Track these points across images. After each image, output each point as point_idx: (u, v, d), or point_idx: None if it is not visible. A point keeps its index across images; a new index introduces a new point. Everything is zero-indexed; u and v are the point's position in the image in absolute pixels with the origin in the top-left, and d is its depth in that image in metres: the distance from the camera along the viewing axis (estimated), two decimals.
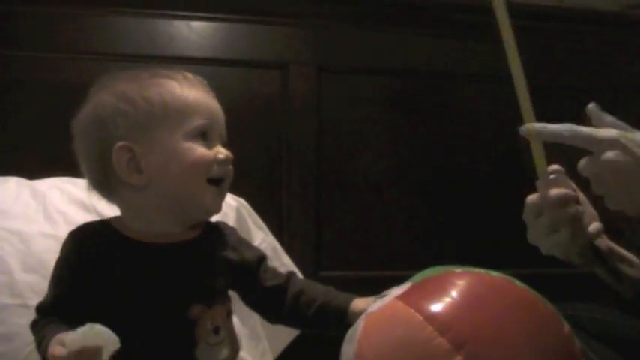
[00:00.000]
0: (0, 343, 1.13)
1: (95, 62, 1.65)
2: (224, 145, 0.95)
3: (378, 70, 1.89)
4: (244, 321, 1.29)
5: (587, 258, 0.95)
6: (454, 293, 0.74)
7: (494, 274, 0.78)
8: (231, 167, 0.95)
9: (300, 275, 1.51)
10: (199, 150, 0.91)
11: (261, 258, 1.01)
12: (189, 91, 0.93)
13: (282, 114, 1.79)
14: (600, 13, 1.99)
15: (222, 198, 0.96)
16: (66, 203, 1.34)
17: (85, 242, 0.90)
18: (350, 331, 0.80)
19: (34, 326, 0.88)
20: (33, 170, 1.46)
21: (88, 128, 0.93)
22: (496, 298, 0.75)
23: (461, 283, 0.76)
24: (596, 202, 0.92)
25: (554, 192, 0.88)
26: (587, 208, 0.96)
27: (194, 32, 1.75)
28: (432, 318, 0.71)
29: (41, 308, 0.89)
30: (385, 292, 0.84)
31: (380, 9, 1.88)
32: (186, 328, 0.88)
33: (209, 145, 0.92)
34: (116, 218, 0.95)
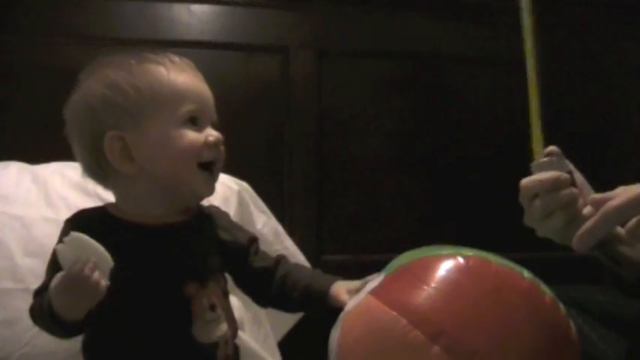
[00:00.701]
0: (2, 327, 1.14)
1: (95, 47, 1.64)
2: (214, 127, 0.95)
3: (379, 53, 1.88)
4: (247, 306, 1.30)
5: None
6: (427, 283, 0.74)
7: (469, 252, 0.78)
8: (222, 148, 0.95)
9: (302, 258, 1.52)
10: (189, 136, 0.91)
11: (253, 240, 1.02)
12: (178, 76, 0.93)
13: (283, 98, 1.79)
14: None
15: (213, 181, 0.96)
16: (67, 188, 1.34)
17: (81, 227, 0.90)
18: (334, 328, 0.81)
19: (32, 309, 0.89)
20: (34, 155, 1.46)
21: (78, 117, 0.94)
22: (471, 282, 0.74)
23: (433, 271, 0.75)
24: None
25: (547, 175, 0.87)
26: (584, 190, 0.95)
27: (194, 16, 1.74)
28: (405, 312, 0.71)
29: (38, 293, 0.89)
30: (368, 278, 0.85)
31: None
32: (181, 307, 0.88)
33: (199, 130, 0.93)
34: (111, 203, 0.97)
